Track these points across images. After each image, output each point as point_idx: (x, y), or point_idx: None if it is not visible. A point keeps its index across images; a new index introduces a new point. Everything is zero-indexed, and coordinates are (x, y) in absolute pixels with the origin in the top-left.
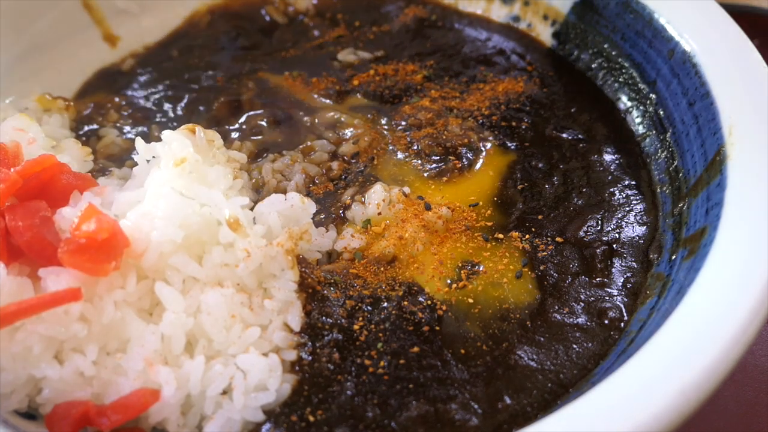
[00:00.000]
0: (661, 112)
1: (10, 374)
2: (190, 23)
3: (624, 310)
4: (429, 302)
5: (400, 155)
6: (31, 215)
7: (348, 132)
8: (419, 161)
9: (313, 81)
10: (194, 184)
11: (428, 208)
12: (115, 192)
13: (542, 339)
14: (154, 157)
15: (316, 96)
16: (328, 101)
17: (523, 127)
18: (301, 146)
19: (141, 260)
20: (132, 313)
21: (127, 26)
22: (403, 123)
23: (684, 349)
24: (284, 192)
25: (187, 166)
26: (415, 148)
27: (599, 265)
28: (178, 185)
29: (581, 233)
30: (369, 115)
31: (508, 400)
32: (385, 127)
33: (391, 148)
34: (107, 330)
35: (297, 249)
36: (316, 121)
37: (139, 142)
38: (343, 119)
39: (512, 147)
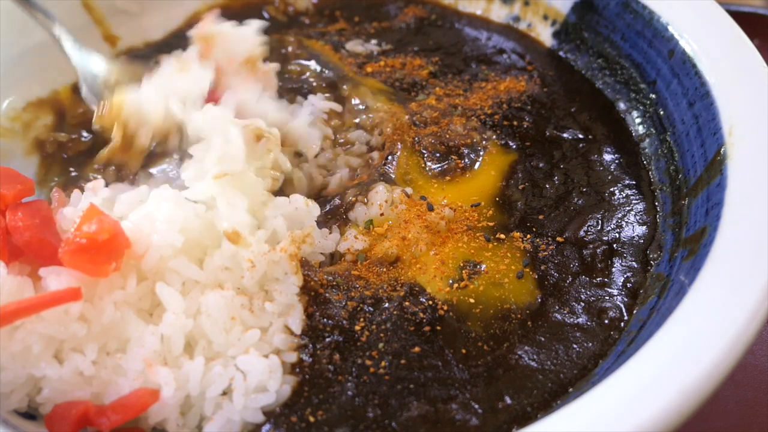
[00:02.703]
0: (661, 112)
1: (9, 373)
2: (190, 23)
3: (624, 310)
4: (430, 302)
5: (408, 152)
6: (31, 215)
7: (372, 116)
8: (423, 160)
9: (338, 55)
10: (228, 192)
11: (431, 208)
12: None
13: (543, 339)
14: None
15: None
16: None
17: (525, 126)
18: (341, 140)
19: (141, 262)
20: (132, 314)
21: (127, 26)
22: (408, 119)
23: (684, 349)
24: (326, 187)
25: (226, 180)
26: (420, 146)
27: (599, 265)
28: (211, 194)
29: (581, 233)
30: (392, 98)
31: (508, 400)
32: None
33: (404, 140)
34: (107, 330)
35: (300, 253)
36: (354, 101)
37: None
38: (369, 103)
39: (514, 147)
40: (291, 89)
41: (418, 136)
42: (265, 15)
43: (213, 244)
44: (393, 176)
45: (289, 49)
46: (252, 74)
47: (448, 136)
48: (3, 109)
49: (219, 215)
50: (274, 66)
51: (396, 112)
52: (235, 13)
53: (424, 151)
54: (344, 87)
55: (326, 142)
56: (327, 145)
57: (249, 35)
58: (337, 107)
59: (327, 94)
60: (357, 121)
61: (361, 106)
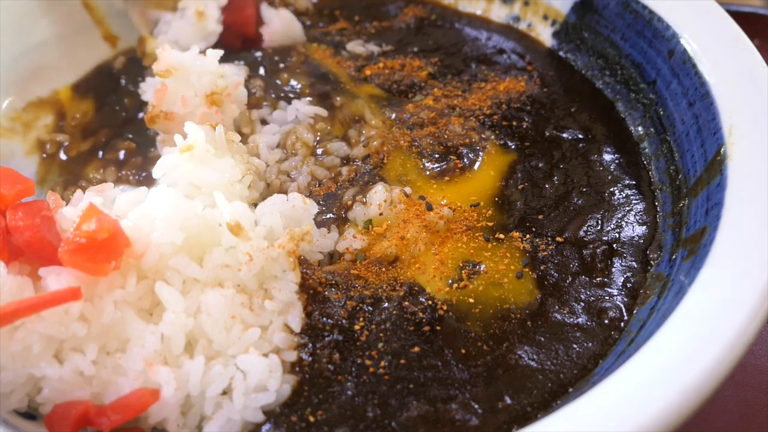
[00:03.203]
0: (661, 112)
1: (9, 373)
2: None
3: (624, 310)
4: (430, 302)
5: (403, 154)
6: (32, 215)
7: (365, 132)
8: (422, 160)
9: (337, 59)
10: (199, 168)
11: (430, 208)
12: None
13: (542, 339)
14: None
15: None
16: (354, 84)
17: (524, 126)
18: (320, 149)
19: (141, 261)
20: (132, 313)
21: (127, 26)
22: (407, 121)
23: (684, 349)
24: (286, 192)
25: (196, 154)
26: (417, 147)
27: (599, 265)
28: (184, 170)
29: (581, 233)
30: (386, 112)
31: (508, 400)
32: (397, 123)
33: (398, 146)
34: (107, 330)
35: (298, 250)
36: (345, 112)
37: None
38: (366, 117)
39: (513, 147)
40: (280, 97)
41: (415, 137)
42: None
43: (212, 241)
44: (383, 176)
45: (293, 58)
46: (216, 107)
47: (446, 136)
48: (3, 109)
49: (219, 206)
50: (241, 99)
51: (388, 129)
52: None
53: (422, 152)
54: (337, 98)
55: (303, 148)
56: (303, 152)
57: (211, 66)
58: (323, 112)
59: (310, 98)
60: (347, 132)
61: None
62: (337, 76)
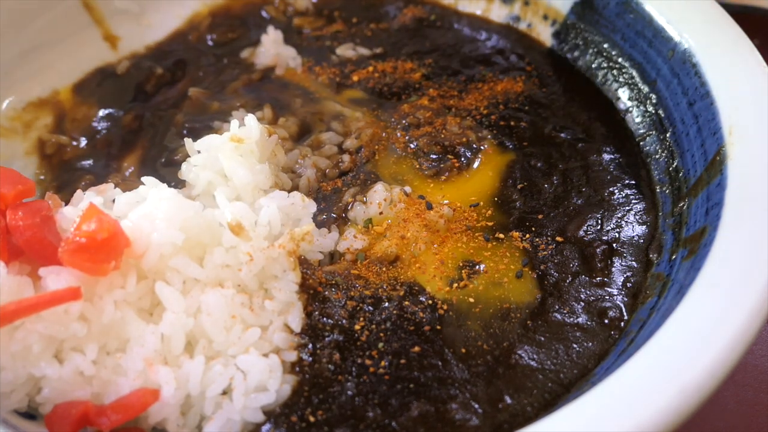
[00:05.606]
0: (661, 112)
1: (9, 373)
2: (191, 24)
3: (624, 310)
4: (430, 302)
5: (399, 153)
6: (32, 214)
7: (351, 126)
8: (418, 160)
9: (317, 69)
10: (237, 161)
11: (430, 207)
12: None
13: (542, 338)
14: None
15: (319, 82)
16: (330, 91)
17: (522, 126)
18: (309, 139)
19: (141, 261)
20: (132, 313)
21: (127, 26)
22: (403, 121)
23: (684, 349)
24: (297, 188)
25: (242, 148)
26: (414, 146)
27: (599, 265)
28: (224, 154)
29: (581, 233)
30: (374, 112)
31: (508, 400)
32: (392, 122)
33: (391, 146)
34: (107, 330)
35: (299, 250)
36: (321, 112)
37: (188, 143)
38: (345, 113)
39: (511, 146)
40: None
41: (411, 136)
42: (265, 15)
43: (213, 242)
44: (380, 175)
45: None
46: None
47: (443, 135)
48: (3, 109)
49: (220, 206)
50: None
51: (374, 120)
52: (236, 13)
53: (419, 151)
54: (297, 100)
55: (287, 143)
56: (288, 146)
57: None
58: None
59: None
60: (330, 126)
61: (335, 115)
62: (304, 86)
